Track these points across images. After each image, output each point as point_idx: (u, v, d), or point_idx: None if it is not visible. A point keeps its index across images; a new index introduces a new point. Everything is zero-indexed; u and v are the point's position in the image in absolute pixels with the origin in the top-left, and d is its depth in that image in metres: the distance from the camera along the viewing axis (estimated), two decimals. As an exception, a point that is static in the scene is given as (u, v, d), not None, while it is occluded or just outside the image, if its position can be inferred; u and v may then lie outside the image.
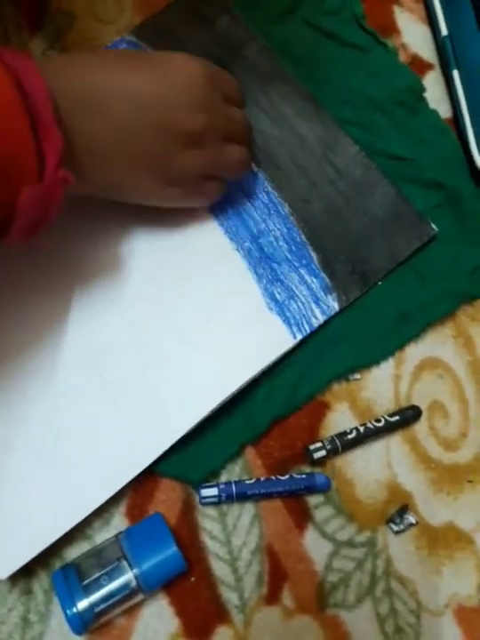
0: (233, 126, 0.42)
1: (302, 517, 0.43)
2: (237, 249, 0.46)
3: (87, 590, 0.37)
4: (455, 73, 0.51)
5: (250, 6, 0.52)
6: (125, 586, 0.38)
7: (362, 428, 0.44)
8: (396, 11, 0.55)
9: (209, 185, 0.43)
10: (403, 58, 0.54)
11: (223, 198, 0.46)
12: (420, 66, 0.54)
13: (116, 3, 0.53)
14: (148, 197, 0.42)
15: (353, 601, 0.42)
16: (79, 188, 0.36)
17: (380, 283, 0.47)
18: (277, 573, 0.42)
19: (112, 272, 0.45)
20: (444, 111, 0.52)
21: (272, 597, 0.42)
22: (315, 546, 0.43)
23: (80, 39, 0.51)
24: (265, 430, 0.44)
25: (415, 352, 0.47)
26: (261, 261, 0.46)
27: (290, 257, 0.46)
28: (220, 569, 0.42)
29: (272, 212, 0.48)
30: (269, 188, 0.48)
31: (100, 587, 0.38)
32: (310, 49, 0.53)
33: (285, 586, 0.42)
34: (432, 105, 0.52)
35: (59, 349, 0.43)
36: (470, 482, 0.45)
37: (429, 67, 0.54)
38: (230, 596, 0.41)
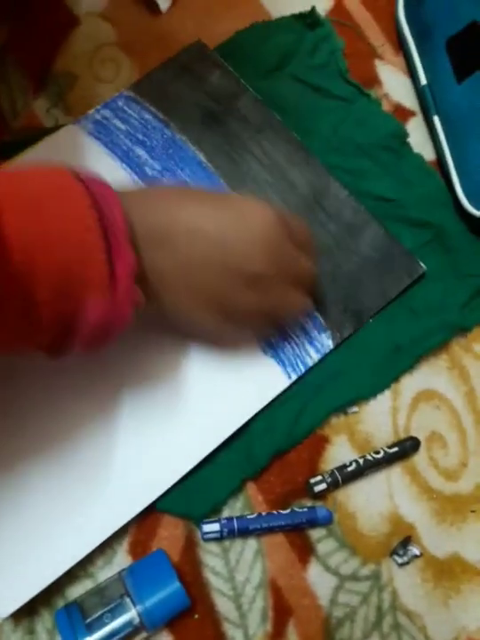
0: (299, 274, 0.42)
1: (305, 551, 0.43)
2: None
3: (90, 629, 0.37)
4: (436, 118, 0.54)
5: (240, 64, 0.56)
6: (129, 623, 0.38)
7: (361, 461, 0.45)
8: (378, 64, 0.58)
9: (265, 327, 0.44)
10: (386, 107, 0.57)
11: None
12: (402, 113, 0.57)
13: (114, 63, 0.57)
14: (203, 329, 0.42)
15: (360, 637, 0.42)
16: (145, 310, 0.37)
17: (371, 320, 0.48)
18: (282, 609, 0.42)
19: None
20: (428, 154, 0.55)
21: (277, 634, 0.41)
22: (319, 580, 0.42)
23: (81, 98, 0.55)
24: (265, 465, 0.44)
25: (411, 384, 0.48)
26: None
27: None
28: (223, 605, 0.41)
29: None
30: None
31: (104, 625, 0.37)
32: (299, 102, 0.56)
33: (290, 622, 0.41)
34: (416, 149, 0.55)
35: (58, 391, 0.44)
36: (473, 511, 0.45)
37: (411, 114, 0.57)
38: (235, 634, 0.41)
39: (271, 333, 0.46)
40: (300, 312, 0.45)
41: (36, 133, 0.52)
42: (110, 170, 0.51)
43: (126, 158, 0.52)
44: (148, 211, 0.36)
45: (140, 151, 0.52)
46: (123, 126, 0.53)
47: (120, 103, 0.54)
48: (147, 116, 0.53)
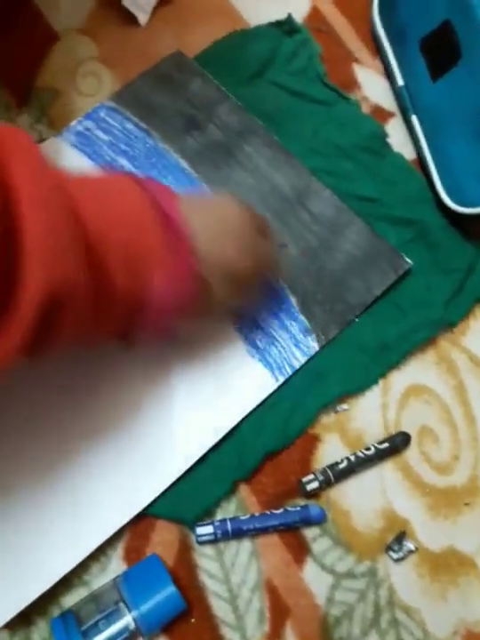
0: (270, 265, 0.45)
1: (300, 551, 0.43)
2: None
3: (86, 636, 0.37)
4: (414, 118, 0.54)
5: (220, 72, 0.56)
6: (125, 629, 0.37)
7: (352, 458, 0.45)
8: (356, 67, 0.59)
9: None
10: (365, 109, 0.57)
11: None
12: (381, 114, 0.57)
13: (96, 77, 0.57)
14: (232, 304, 0.44)
15: (358, 634, 0.41)
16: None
17: (357, 319, 0.48)
18: (279, 609, 0.41)
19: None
20: (408, 153, 0.55)
21: (275, 635, 0.41)
22: (315, 579, 0.42)
23: (64, 112, 0.55)
24: (257, 466, 0.44)
25: (400, 380, 0.48)
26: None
27: (269, 303, 0.48)
28: (220, 608, 0.41)
29: None
30: None
31: (99, 632, 0.37)
32: (279, 107, 0.57)
33: (288, 622, 0.41)
34: (396, 148, 0.55)
35: (50, 401, 0.44)
36: (467, 504, 0.45)
37: (390, 115, 0.57)
38: (233, 636, 0.41)
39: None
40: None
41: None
42: (94, 180, 0.52)
43: (110, 168, 0.52)
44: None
45: (124, 161, 0.53)
46: (105, 137, 0.53)
47: (102, 114, 0.54)
48: (129, 126, 0.54)
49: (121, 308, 0.35)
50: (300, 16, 0.61)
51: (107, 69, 0.58)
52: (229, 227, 0.40)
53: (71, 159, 0.52)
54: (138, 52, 0.58)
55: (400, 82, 0.56)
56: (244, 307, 0.45)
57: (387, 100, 0.58)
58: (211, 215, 0.40)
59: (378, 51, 0.60)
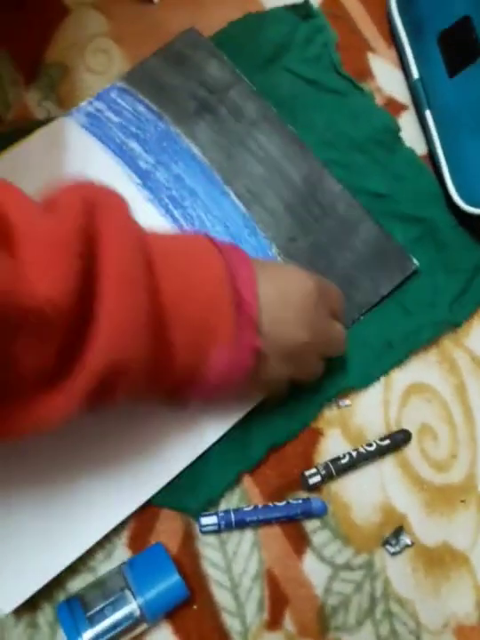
0: (332, 342, 0.43)
1: (300, 542, 0.44)
2: None
3: (92, 621, 0.38)
4: (428, 113, 0.54)
5: (233, 55, 0.56)
6: (130, 615, 0.38)
7: (354, 453, 0.46)
8: (370, 57, 0.58)
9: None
10: (378, 100, 0.57)
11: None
12: (395, 107, 0.57)
13: (106, 54, 0.56)
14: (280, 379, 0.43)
15: (353, 624, 0.43)
16: None
17: (362, 317, 0.49)
18: (278, 599, 0.43)
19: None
20: (420, 149, 0.55)
21: (274, 623, 0.42)
22: (314, 570, 0.44)
23: (73, 89, 0.54)
24: (261, 458, 0.45)
25: (402, 378, 0.49)
26: None
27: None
28: (221, 596, 0.42)
29: (260, 254, 0.49)
30: (257, 230, 0.50)
31: (105, 617, 0.38)
32: (293, 94, 0.56)
33: (287, 611, 0.43)
34: (408, 143, 0.55)
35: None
36: (463, 502, 0.46)
37: (404, 108, 0.57)
38: (233, 623, 0.42)
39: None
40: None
41: (29, 125, 0.51)
42: (103, 163, 0.51)
43: (120, 151, 0.52)
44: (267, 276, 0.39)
45: (134, 144, 0.52)
46: (116, 119, 0.52)
47: (113, 95, 0.53)
48: (140, 108, 0.53)
49: (176, 381, 0.36)
50: (315, 1, 0.59)
51: (117, 46, 0.57)
52: (294, 299, 0.39)
53: (81, 141, 0.51)
54: (150, 30, 0.57)
55: (415, 75, 0.55)
56: (298, 379, 0.43)
57: (401, 93, 0.58)
58: (277, 287, 0.39)
59: (394, 40, 0.59)
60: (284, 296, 0.39)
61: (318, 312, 0.40)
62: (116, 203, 0.33)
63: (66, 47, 0.56)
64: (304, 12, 0.58)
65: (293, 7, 0.59)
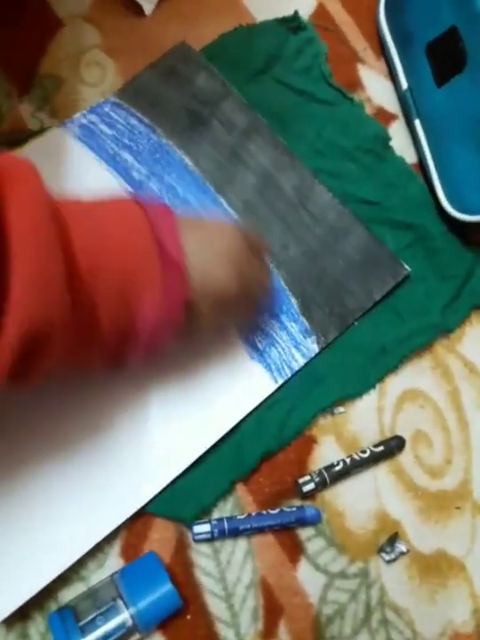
0: (259, 283, 0.44)
1: (295, 551, 0.44)
2: None
3: (84, 632, 0.37)
4: (417, 122, 0.55)
5: (225, 67, 0.56)
6: (121, 625, 0.38)
7: (348, 460, 0.45)
8: (360, 67, 0.59)
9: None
10: (368, 110, 0.57)
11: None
12: (384, 117, 0.57)
13: (99, 66, 0.57)
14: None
15: (349, 633, 0.42)
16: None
17: (356, 323, 0.49)
18: (273, 608, 0.42)
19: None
20: (410, 157, 0.56)
21: (268, 633, 0.42)
22: (308, 579, 0.43)
23: (67, 101, 0.55)
24: (254, 466, 0.45)
25: (396, 384, 0.49)
26: None
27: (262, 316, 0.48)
28: (215, 605, 0.42)
29: None
30: None
31: (97, 627, 0.38)
32: (283, 105, 0.56)
33: (281, 620, 0.42)
34: (398, 152, 0.56)
35: (49, 400, 0.44)
36: (458, 508, 0.46)
37: (393, 117, 0.57)
38: (227, 633, 0.41)
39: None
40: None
41: (23, 136, 0.52)
42: (97, 174, 0.51)
43: (113, 162, 0.52)
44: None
45: (127, 155, 0.52)
46: (109, 131, 0.53)
47: (106, 109, 0.54)
48: (133, 122, 0.53)
49: (109, 338, 0.35)
50: (305, 13, 0.60)
51: (110, 59, 0.57)
52: (219, 247, 0.40)
53: (75, 151, 0.52)
54: (142, 43, 0.58)
55: (404, 85, 0.56)
56: (235, 325, 0.44)
57: (390, 102, 0.58)
58: (204, 237, 0.40)
59: (383, 52, 0.60)
60: (210, 245, 0.39)
61: (244, 258, 0.41)
62: (24, 172, 0.32)
63: (59, 59, 0.56)
64: (294, 24, 0.59)
65: (283, 20, 0.59)
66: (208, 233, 0.40)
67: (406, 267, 0.50)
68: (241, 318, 0.44)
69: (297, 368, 0.47)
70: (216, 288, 0.39)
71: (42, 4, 0.58)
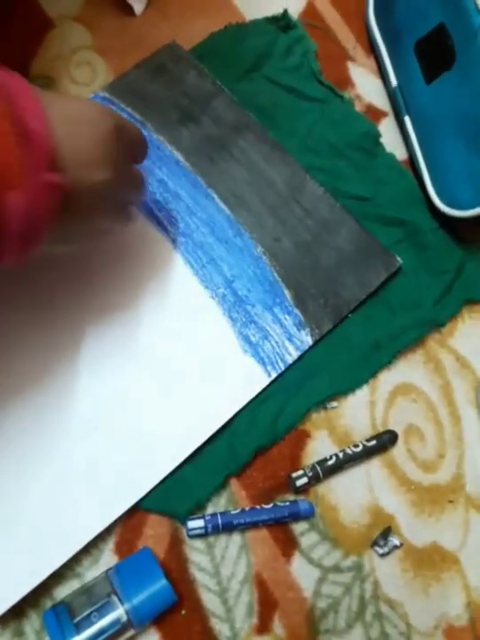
0: (133, 183, 0.42)
1: (289, 545, 0.44)
2: (212, 296, 0.48)
3: (79, 628, 0.37)
4: (407, 119, 0.55)
5: (215, 65, 0.56)
6: (116, 621, 0.38)
7: (341, 454, 0.46)
8: (350, 65, 0.59)
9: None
10: (358, 107, 0.58)
11: (198, 246, 0.49)
12: (374, 114, 0.58)
13: (90, 66, 0.57)
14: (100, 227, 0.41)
15: (343, 626, 0.43)
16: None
17: (350, 315, 0.49)
18: (267, 602, 0.42)
19: (93, 323, 0.47)
20: (400, 154, 0.56)
21: (263, 627, 0.42)
22: (302, 573, 0.43)
23: (57, 101, 0.55)
24: (248, 461, 0.45)
25: (388, 378, 0.49)
26: (235, 305, 0.48)
27: (263, 297, 0.49)
28: (210, 601, 0.42)
29: (246, 254, 0.50)
30: (242, 231, 0.51)
31: (91, 624, 0.38)
32: (274, 103, 0.57)
33: (276, 614, 0.42)
34: (388, 148, 0.56)
35: (41, 393, 0.44)
36: (451, 502, 0.46)
37: (383, 114, 0.58)
38: (222, 628, 0.41)
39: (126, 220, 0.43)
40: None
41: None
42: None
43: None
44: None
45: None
46: (99, 127, 0.53)
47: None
48: (123, 116, 0.53)
49: None
50: (295, 11, 0.60)
51: (101, 59, 0.57)
52: (93, 131, 0.36)
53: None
54: (133, 43, 0.58)
55: (394, 82, 0.56)
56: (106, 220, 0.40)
57: (380, 100, 0.58)
58: (74, 118, 0.36)
59: (372, 50, 0.60)
60: (83, 128, 0.36)
61: (119, 150, 0.37)
62: None
63: (50, 59, 0.56)
64: (284, 23, 0.59)
65: (273, 19, 0.59)
66: (79, 113, 0.36)
67: (398, 258, 0.50)
68: (111, 217, 0.40)
69: (291, 361, 0.47)
70: (89, 178, 0.35)
71: (32, 5, 0.58)
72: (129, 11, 0.58)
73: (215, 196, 0.52)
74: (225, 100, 0.55)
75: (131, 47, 0.57)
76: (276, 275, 0.49)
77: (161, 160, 0.52)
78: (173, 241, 0.49)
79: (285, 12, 0.59)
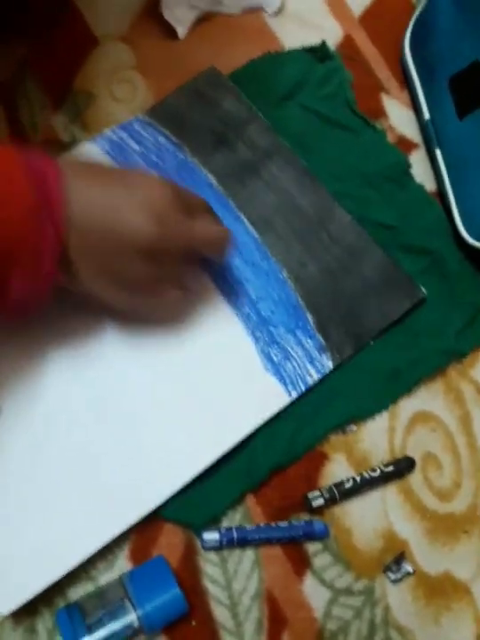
0: (192, 238, 0.42)
1: (301, 564, 0.44)
2: (237, 314, 0.49)
3: (90, 630, 0.38)
4: (438, 151, 0.56)
5: (252, 91, 0.58)
6: (128, 626, 0.38)
7: (358, 478, 0.46)
8: (384, 97, 0.61)
9: (167, 293, 0.44)
10: (390, 138, 0.59)
11: (225, 266, 0.50)
12: (406, 145, 0.59)
13: (131, 84, 0.59)
14: (113, 303, 0.43)
15: (352, 650, 0.42)
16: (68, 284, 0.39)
17: (372, 342, 0.50)
18: (277, 620, 0.42)
19: (118, 336, 0.48)
20: (429, 185, 0.57)
21: (272, 644, 0.42)
22: (313, 593, 0.43)
23: (98, 116, 0.57)
24: (265, 479, 0.45)
25: (408, 406, 0.49)
26: (259, 325, 0.49)
27: (286, 320, 0.49)
28: (220, 614, 0.42)
29: (271, 278, 0.51)
30: (269, 254, 0.52)
31: (103, 626, 0.38)
32: (307, 130, 0.58)
33: (285, 633, 0.42)
34: (418, 180, 0.57)
35: (66, 398, 0.45)
36: (466, 532, 0.46)
37: (415, 146, 0.59)
38: (231, 642, 0.42)
39: (176, 302, 0.45)
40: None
41: (55, 147, 0.54)
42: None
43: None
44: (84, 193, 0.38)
45: (153, 172, 0.54)
46: (137, 147, 0.55)
47: (136, 126, 0.56)
48: (161, 139, 0.55)
49: None
50: (333, 43, 0.62)
51: (142, 78, 0.59)
52: (138, 197, 0.38)
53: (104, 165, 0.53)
54: (174, 64, 0.60)
55: (427, 116, 0.58)
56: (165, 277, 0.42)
57: (412, 132, 0.60)
58: (114, 186, 0.39)
59: (406, 83, 0.61)
60: (122, 192, 0.38)
61: (168, 209, 0.39)
62: None
63: (93, 76, 0.58)
64: (321, 53, 0.61)
65: (311, 49, 0.61)
66: (123, 181, 0.39)
67: (423, 289, 0.51)
68: (167, 269, 0.42)
69: (311, 383, 0.47)
70: (127, 234, 0.38)
71: (79, 23, 0.60)
72: (173, 34, 0.61)
73: (244, 219, 0.53)
74: (260, 125, 0.57)
75: (172, 68, 0.60)
76: (299, 299, 0.50)
77: (194, 183, 0.54)
78: (202, 260, 0.51)
79: (323, 42, 0.61)
